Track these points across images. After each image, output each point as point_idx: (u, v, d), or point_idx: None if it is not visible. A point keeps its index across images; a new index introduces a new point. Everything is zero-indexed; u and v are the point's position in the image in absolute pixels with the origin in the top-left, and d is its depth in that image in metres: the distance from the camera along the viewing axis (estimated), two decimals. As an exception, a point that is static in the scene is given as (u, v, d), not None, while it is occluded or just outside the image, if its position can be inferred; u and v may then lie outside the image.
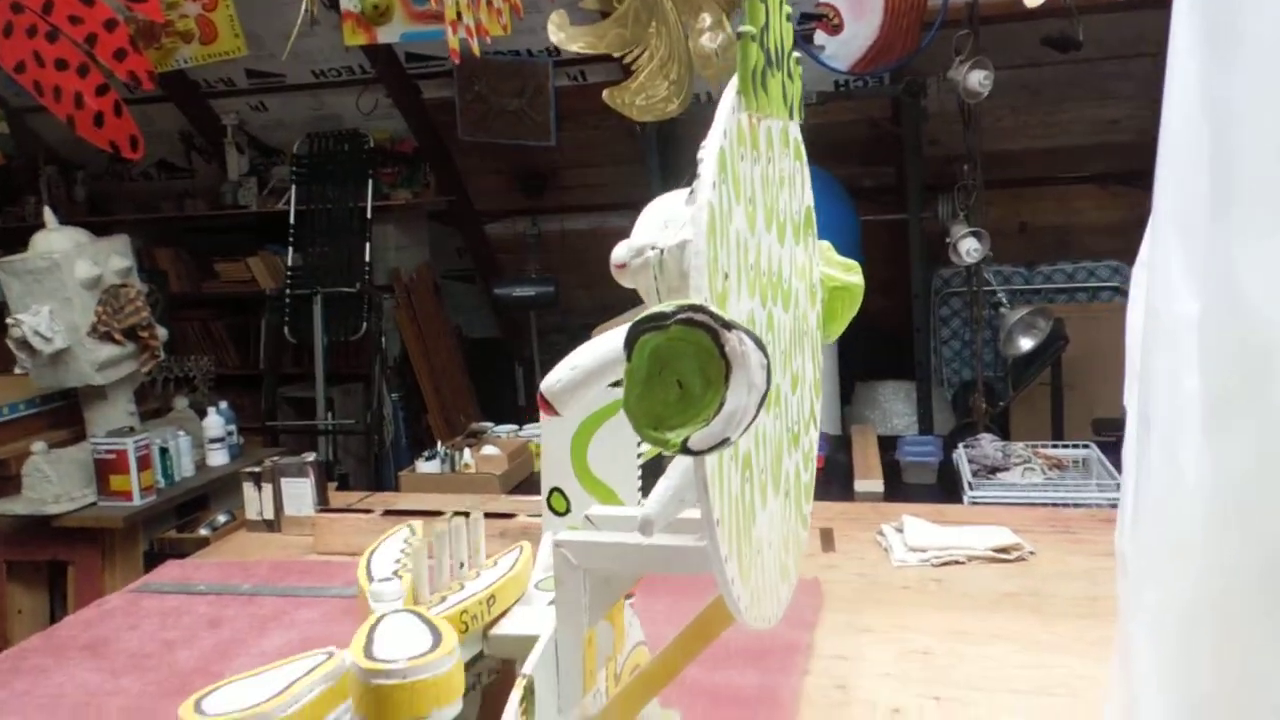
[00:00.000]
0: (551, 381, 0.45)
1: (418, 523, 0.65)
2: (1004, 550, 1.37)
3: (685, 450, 0.32)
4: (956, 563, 1.37)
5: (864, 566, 1.39)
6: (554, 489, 0.59)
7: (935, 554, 1.38)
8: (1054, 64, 2.90)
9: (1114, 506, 1.46)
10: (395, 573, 0.54)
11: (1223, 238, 0.48)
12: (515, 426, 2.52)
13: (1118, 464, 2.09)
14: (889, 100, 3.22)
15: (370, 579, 0.51)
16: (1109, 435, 2.41)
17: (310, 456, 1.75)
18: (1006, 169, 3.20)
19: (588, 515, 0.49)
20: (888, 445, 2.38)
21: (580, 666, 0.50)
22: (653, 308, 0.34)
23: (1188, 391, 0.50)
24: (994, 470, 2.22)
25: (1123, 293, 3.33)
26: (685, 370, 0.32)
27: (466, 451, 2.27)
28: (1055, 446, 2.27)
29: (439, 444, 2.36)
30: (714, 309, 0.33)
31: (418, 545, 0.52)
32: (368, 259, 3.36)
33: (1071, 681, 1.06)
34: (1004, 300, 2.53)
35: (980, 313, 2.61)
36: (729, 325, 0.33)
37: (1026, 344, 2.44)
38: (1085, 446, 2.23)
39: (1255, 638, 0.46)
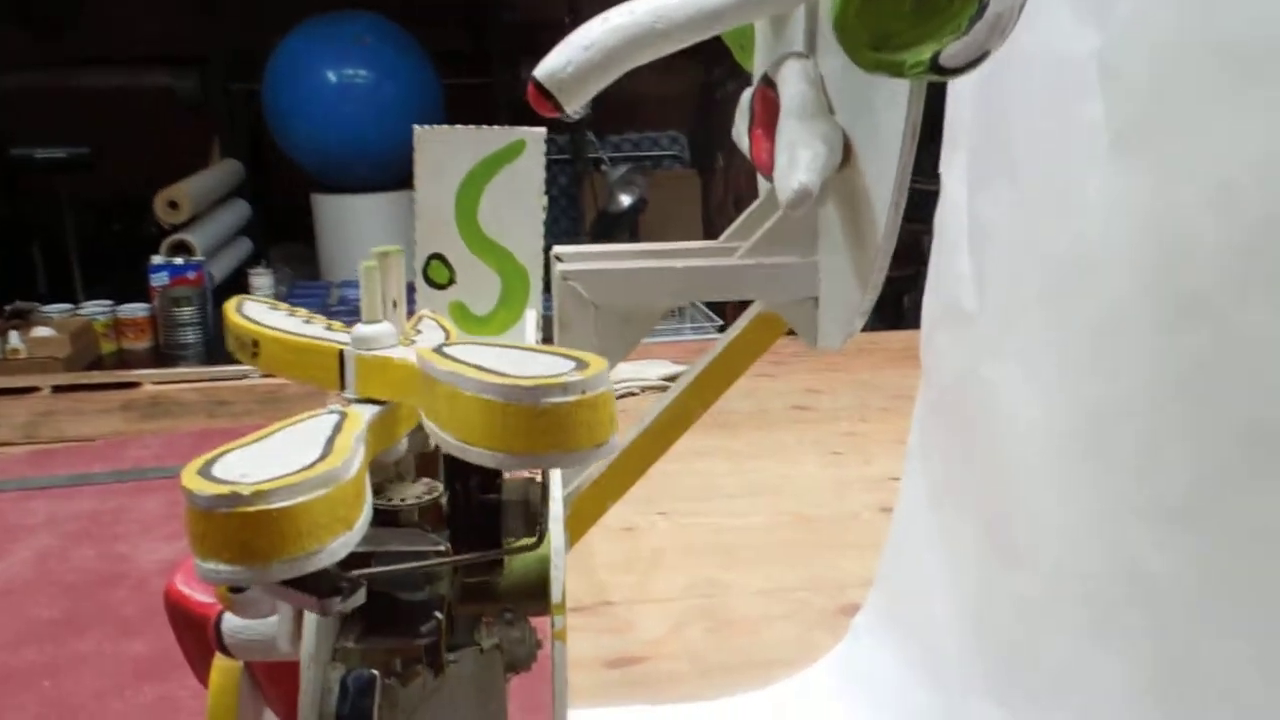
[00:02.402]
0: (557, 66, 0.35)
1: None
2: (672, 379, 1.42)
3: (936, 69, 0.26)
4: (632, 394, 1.40)
5: (545, 407, 1.37)
6: (433, 256, 0.48)
7: (625, 386, 1.40)
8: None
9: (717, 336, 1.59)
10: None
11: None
12: (70, 305, 2.15)
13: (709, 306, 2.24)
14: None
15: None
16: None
17: None
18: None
19: (557, 253, 0.40)
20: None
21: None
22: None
23: (1086, 121, 0.52)
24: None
25: (682, 161, 3.57)
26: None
27: (14, 335, 1.89)
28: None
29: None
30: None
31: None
32: None
33: (774, 481, 1.14)
34: (605, 160, 2.59)
35: (583, 172, 2.65)
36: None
37: (626, 200, 2.53)
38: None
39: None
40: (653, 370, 1.42)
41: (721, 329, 2.14)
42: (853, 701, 0.70)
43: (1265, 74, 0.42)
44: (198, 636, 0.45)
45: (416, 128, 0.48)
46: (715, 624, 0.84)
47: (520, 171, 0.48)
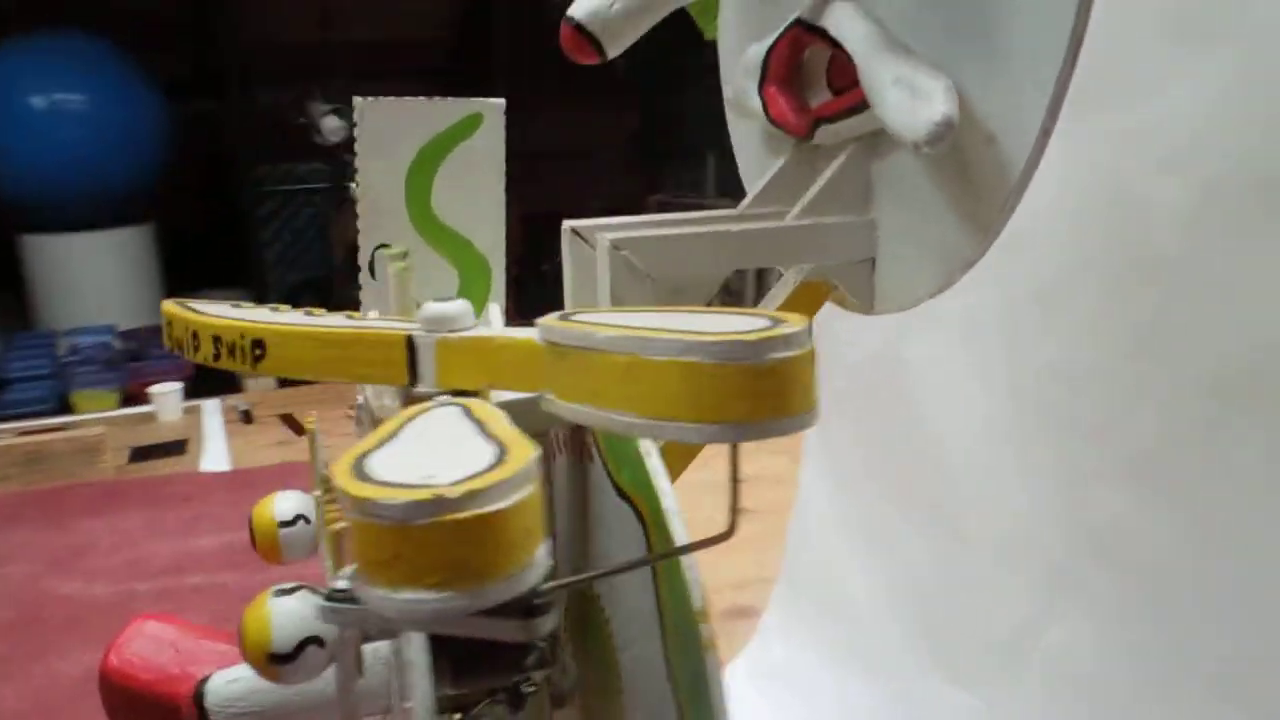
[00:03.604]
0: (600, 5, 0.30)
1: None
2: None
3: None
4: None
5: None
6: (380, 247, 0.42)
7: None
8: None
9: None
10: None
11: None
12: None
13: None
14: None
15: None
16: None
17: None
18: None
19: (573, 227, 0.35)
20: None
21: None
22: None
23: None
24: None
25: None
26: None
27: None
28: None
29: None
30: None
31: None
32: None
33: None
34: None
35: (345, 197, 2.51)
36: None
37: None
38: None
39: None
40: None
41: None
42: (778, 700, 0.68)
43: (1213, 41, 0.44)
44: (147, 722, 0.37)
45: (357, 99, 0.42)
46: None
47: (478, 149, 0.43)
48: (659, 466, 0.30)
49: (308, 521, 0.37)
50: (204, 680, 0.33)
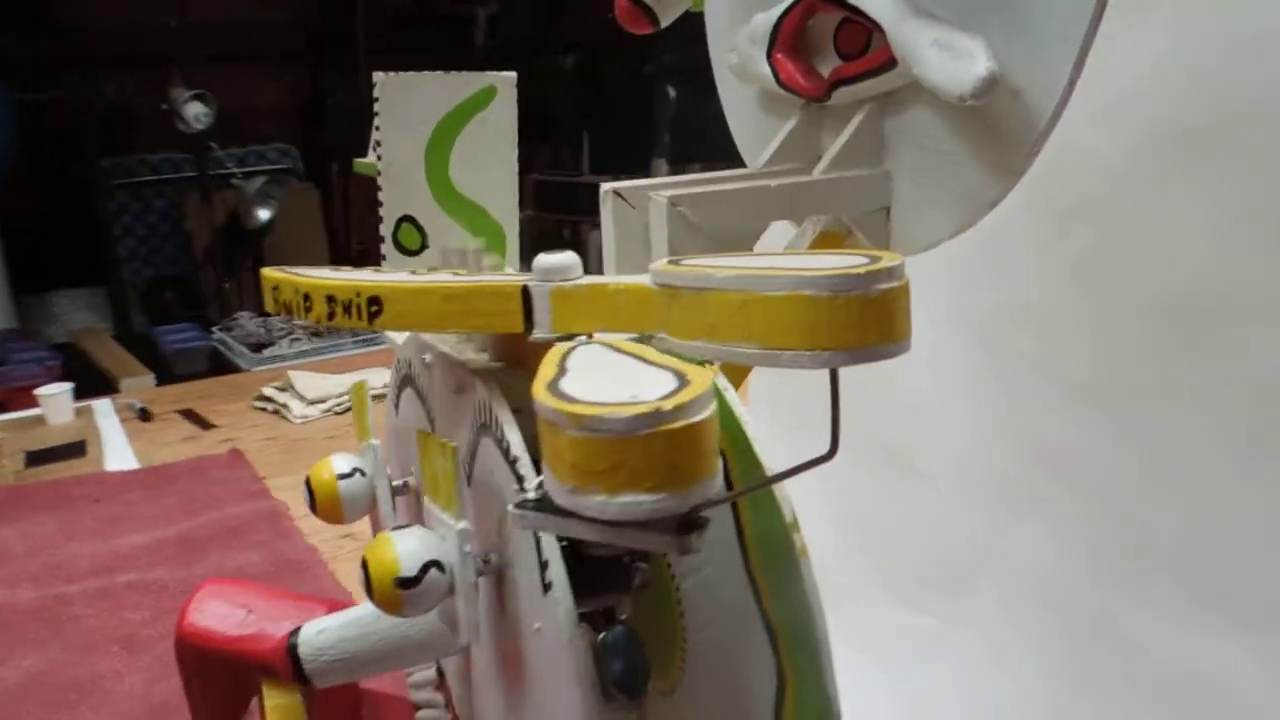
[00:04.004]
0: None
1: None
2: (398, 385, 1.35)
3: None
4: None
5: (267, 432, 1.25)
6: (402, 219, 0.44)
7: (336, 401, 1.30)
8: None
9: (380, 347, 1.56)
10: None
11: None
12: None
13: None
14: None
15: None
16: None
17: None
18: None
19: (615, 189, 0.37)
20: (134, 344, 2.11)
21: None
22: None
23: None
24: (261, 346, 2.15)
25: (296, 174, 3.38)
26: None
27: None
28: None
29: None
30: None
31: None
32: None
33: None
34: (239, 174, 2.39)
35: (211, 189, 2.42)
36: None
37: (265, 214, 2.35)
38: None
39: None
40: (381, 378, 1.34)
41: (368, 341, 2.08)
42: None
43: (1146, 12, 0.49)
44: (227, 678, 0.38)
45: (378, 75, 0.43)
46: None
47: (491, 121, 0.44)
48: (736, 398, 0.33)
49: (363, 474, 0.38)
50: (294, 632, 0.34)
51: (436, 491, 0.32)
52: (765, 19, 0.40)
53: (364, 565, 0.30)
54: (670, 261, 0.28)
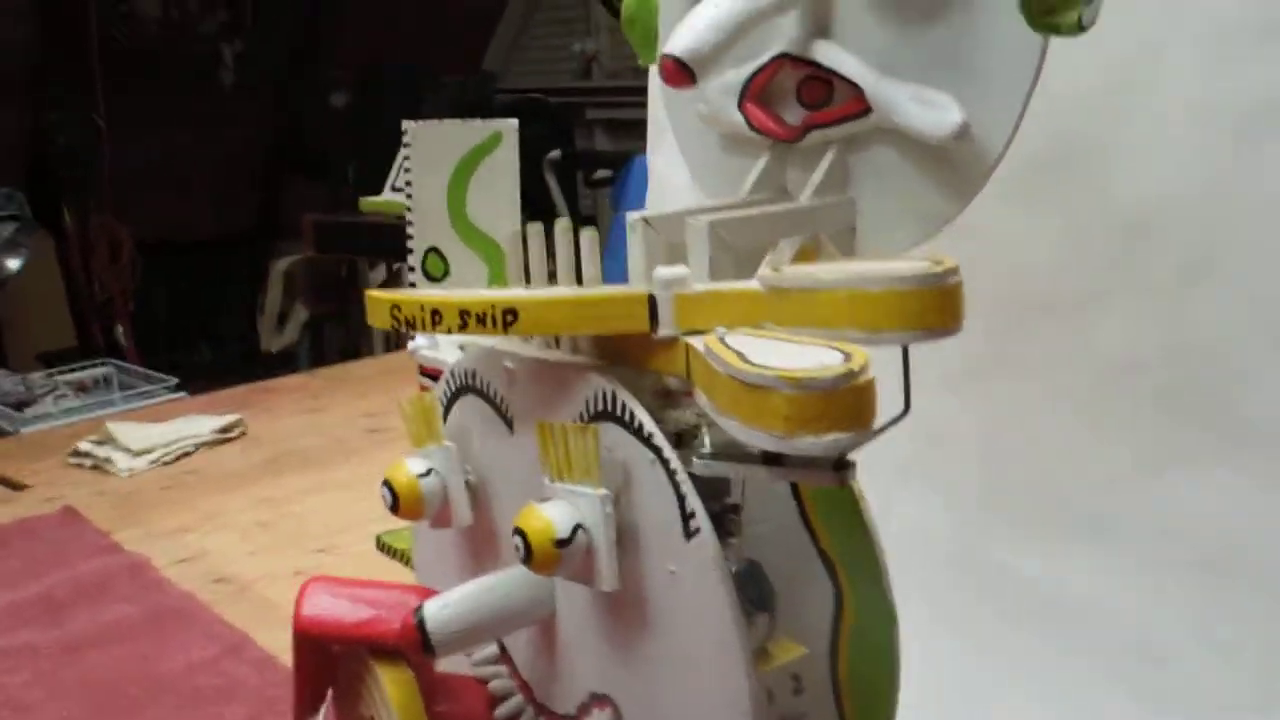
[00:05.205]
0: (696, 44, 0.39)
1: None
2: (226, 429, 1.32)
3: (1080, 28, 0.37)
4: (187, 454, 1.27)
5: (93, 487, 1.18)
6: (430, 250, 0.49)
7: (164, 451, 1.26)
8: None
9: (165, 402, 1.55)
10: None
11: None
12: None
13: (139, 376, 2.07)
14: None
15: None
16: (63, 366, 2.34)
17: None
18: None
19: (643, 217, 0.44)
20: None
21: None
22: None
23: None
24: (22, 405, 2.00)
25: (25, 221, 3.11)
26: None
27: None
28: (75, 370, 2.17)
29: None
30: None
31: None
32: None
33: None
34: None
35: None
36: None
37: (15, 264, 2.18)
38: (103, 364, 2.20)
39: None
40: (204, 425, 1.30)
41: (178, 387, 1.99)
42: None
43: None
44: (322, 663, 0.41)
45: (410, 124, 0.48)
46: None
47: (498, 161, 0.50)
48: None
49: (436, 473, 0.43)
50: (418, 609, 0.39)
51: (569, 470, 0.38)
52: (737, 75, 0.49)
53: (521, 534, 0.35)
54: (773, 269, 0.36)
